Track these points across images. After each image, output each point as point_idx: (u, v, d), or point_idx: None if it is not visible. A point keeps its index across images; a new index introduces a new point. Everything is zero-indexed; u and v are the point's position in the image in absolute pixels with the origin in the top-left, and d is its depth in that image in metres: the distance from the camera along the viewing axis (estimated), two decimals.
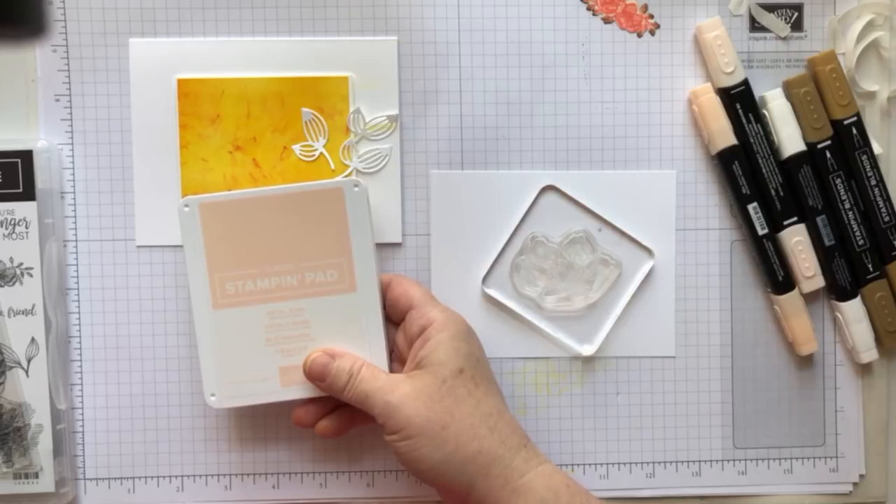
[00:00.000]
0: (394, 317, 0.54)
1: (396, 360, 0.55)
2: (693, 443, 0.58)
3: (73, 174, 0.56)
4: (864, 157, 0.57)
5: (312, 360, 0.52)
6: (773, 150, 0.56)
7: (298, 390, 0.52)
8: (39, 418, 0.55)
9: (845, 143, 0.56)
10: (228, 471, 0.57)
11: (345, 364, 0.51)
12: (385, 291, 0.54)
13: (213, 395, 0.52)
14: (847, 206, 0.57)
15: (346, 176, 0.56)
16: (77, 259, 0.56)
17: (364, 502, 0.58)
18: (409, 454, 0.50)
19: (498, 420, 0.51)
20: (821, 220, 0.57)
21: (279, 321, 0.52)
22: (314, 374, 0.52)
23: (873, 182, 0.57)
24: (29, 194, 0.54)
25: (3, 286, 0.54)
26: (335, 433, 0.54)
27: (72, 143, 0.56)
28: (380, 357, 0.53)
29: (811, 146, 0.56)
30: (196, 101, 0.56)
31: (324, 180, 0.52)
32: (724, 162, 0.56)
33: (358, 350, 0.52)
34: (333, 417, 0.54)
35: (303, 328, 0.52)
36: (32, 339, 0.54)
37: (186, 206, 0.52)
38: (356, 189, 0.52)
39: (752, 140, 0.56)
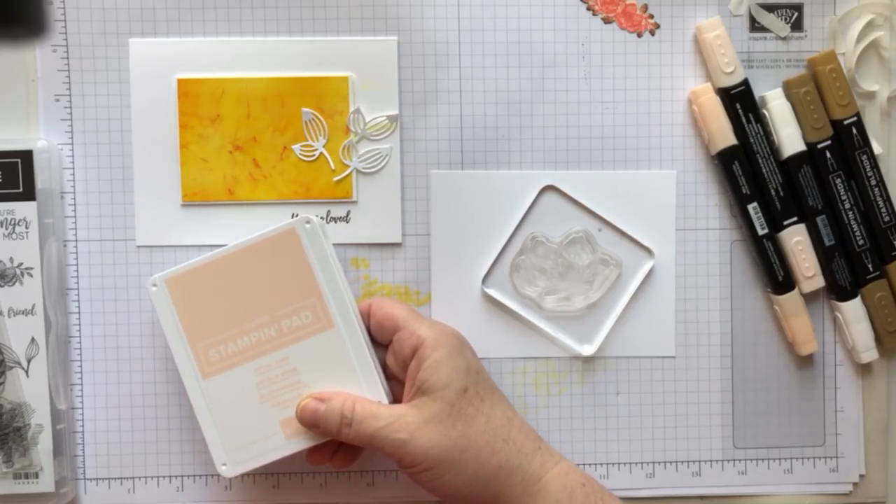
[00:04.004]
0: (381, 340, 0.53)
1: (389, 379, 0.53)
2: (693, 443, 0.58)
3: (73, 174, 0.56)
4: (864, 157, 0.57)
5: (302, 407, 0.51)
6: (773, 150, 0.56)
7: (303, 440, 0.52)
8: (39, 418, 0.55)
9: (845, 143, 0.56)
10: None
11: (334, 406, 0.50)
12: (367, 317, 0.53)
13: (224, 464, 0.52)
14: (847, 206, 0.57)
15: (345, 176, 0.56)
16: (77, 259, 0.56)
17: (364, 502, 0.58)
18: (431, 483, 0.50)
19: (510, 429, 0.51)
20: (821, 220, 0.57)
21: (268, 375, 0.52)
22: (306, 422, 0.51)
23: (873, 182, 0.57)
24: (29, 194, 0.54)
25: (3, 286, 0.54)
26: (351, 461, 0.53)
27: (72, 143, 0.56)
28: (374, 387, 0.52)
29: (811, 146, 0.56)
30: (196, 101, 0.56)
31: (276, 225, 0.52)
32: (724, 162, 0.56)
33: (351, 385, 0.52)
34: (345, 448, 0.53)
35: (292, 377, 0.52)
36: (32, 339, 0.54)
37: (154, 285, 0.52)
38: (308, 226, 0.51)
39: (752, 140, 0.56)
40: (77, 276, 0.56)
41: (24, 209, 0.54)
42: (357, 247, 0.57)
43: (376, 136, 0.57)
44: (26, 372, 0.55)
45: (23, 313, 0.54)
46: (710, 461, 0.58)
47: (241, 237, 0.52)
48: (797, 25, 0.58)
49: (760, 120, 0.56)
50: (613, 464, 0.58)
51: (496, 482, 0.50)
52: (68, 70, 0.56)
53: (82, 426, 0.57)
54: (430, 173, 0.57)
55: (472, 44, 0.57)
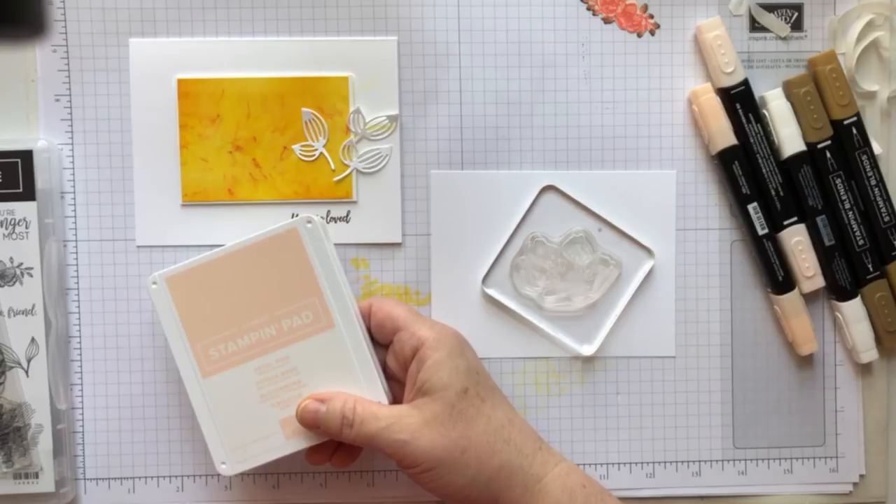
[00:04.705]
0: (381, 340, 0.53)
1: (389, 379, 0.53)
2: (693, 443, 0.58)
3: (73, 174, 0.56)
4: (864, 157, 0.57)
5: (302, 409, 0.51)
6: (773, 150, 0.56)
7: (303, 439, 0.52)
8: (39, 418, 0.55)
9: (845, 143, 0.56)
10: None
11: (335, 406, 0.50)
12: (367, 317, 0.53)
13: (223, 463, 0.52)
14: (847, 206, 0.57)
15: (345, 176, 0.56)
16: (77, 259, 0.56)
17: (364, 502, 0.58)
18: (432, 483, 0.50)
19: (510, 430, 0.51)
20: (821, 220, 0.57)
21: (268, 375, 0.52)
22: (307, 423, 0.51)
23: (873, 182, 0.57)
24: (29, 194, 0.54)
25: (3, 286, 0.54)
26: (350, 460, 0.53)
27: (72, 143, 0.56)
28: (374, 388, 0.52)
29: (811, 146, 0.56)
30: (196, 101, 0.56)
31: (277, 224, 0.52)
32: (724, 162, 0.56)
33: (351, 385, 0.52)
34: (345, 447, 0.53)
35: (292, 376, 0.52)
36: (32, 339, 0.54)
37: (154, 283, 0.52)
38: (309, 226, 0.51)
39: (752, 140, 0.56)
40: (77, 276, 0.56)
41: (24, 209, 0.54)
42: (357, 247, 0.57)
43: (376, 136, 0.57)
44: (26, 372, 0.55)
45: (23, 313, 0.54)
46: (710, 461, 0.58)
47: (242, 237, 0.52)
48: (797, 25, 0.58)
49: (760, 120, 0.56)
50: (613, 464, 0.58)
51: (497, 483, 0.50)
52: (68, 70, 0.56)
53: (82, 426, 0.57)
54: (430, 173, 0.57)
55: (472, 44, 0.57)
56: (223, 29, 0.56)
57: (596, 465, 0.58)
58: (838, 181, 0.57)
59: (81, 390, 0.57)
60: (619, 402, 0.58)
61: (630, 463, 0.58)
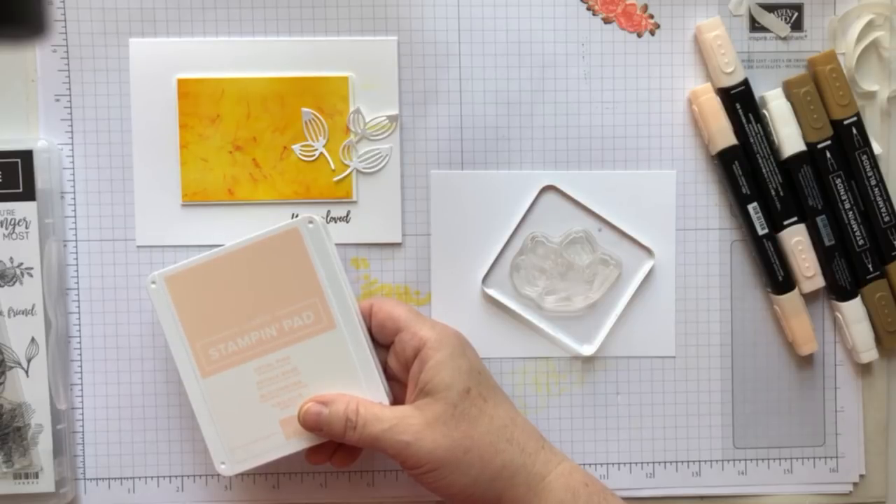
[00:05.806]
0: (382, 340, 0.53)
1: (390, 380, 0.53)
2: (693, 443, 0.58)
3: (73, 174, 0.56)
4: (864, 157, 0.57)
5: (304, 411, 0.51)
6: (773, 150, 0.56)
7: (304, 440, 0.52)
8: (39, 418, 0.55)
9: (845, 143, 0.56)
10: None
11: (338, 408, 0.50)
12: (368, 317, 0.53)
13: (223, 463, 0.52)
14: (847, 206, 0.57)
15: (345, 176, 0.56)
16: (77, 259, 0.56)
17: (364, 502, 0.58)
18: (435, 483, 0.50)
19: (513, 429, 0.51)
20: (821, 220, 0.57)
21: (268, 375, 0.52)
22: (309, 426, 0.51)
23: (873, 182, 0.57)
24: (29, 194, 0.54)
25: (3, 286, 0.54)
26: (351, 461, 0.53)
27: (72, 143, 0.56)
28: (376, 388, 0.52)
29: (811, 146, 0.56)
30: (196, 101, 0.56)
31: (278, 224, 0.52)
32: (724, 162, 0.56)
33: (352, 387, 0.51)
34: (345, 447, 0.53)
35: (293, 377, 0.52)
36: (32, 339, 0.54)
37: (153, 282, 0.51)
38: (311, 226, 0.51)
39: (752, 140, 0.56)
40: (77, 276, 0.56)
41: (24, 209, 0.54)
42: (357, 247, 0.57)
43: (376, 136, 0.57)
44: (26, 372, 0.55)
45: (23, 313, 0.54)
46: (710, 461, 0.58)
47: (242, 237, 0.52)
48: (797, 25, 0.58)
49: (760, 120, 0.56)
50: (613, 464, 0.58)
51: (500, 482, 0.50)
52: (68, 70, 0.56)
53: (82, 426, 0.57)
54: (430, 173, 0.57)
55: (472, 44, 0.57)
56: (223, 29, 0.56)
57: (596, 465, 0.58)
58: (838, 181, 0.57)
59: (81, 390, 0.57)
60: (619, 402, 0.58)
61: (630, 463, 0.58)
